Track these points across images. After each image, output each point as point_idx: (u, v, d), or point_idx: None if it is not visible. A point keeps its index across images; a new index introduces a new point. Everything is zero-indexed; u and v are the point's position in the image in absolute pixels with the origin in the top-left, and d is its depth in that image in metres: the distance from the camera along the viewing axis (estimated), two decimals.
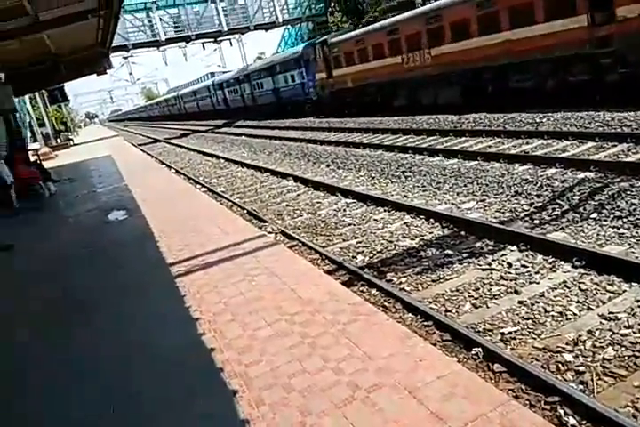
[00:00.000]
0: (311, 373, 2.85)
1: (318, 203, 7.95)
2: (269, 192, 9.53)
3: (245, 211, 8.17)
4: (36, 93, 30.03)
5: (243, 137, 22.63)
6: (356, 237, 6.02)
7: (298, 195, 8.85)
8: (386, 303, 4.21)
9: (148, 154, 21.09)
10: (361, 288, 4.58)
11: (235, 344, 3.31)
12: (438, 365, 2.74)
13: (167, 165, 16.26)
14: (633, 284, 3.78)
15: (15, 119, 15.65)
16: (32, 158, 16.21)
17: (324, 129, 18.96)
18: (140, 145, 27.85)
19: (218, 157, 16.54)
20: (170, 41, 36.06)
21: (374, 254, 5.41)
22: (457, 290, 4.28)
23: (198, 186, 11.33)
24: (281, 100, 29.86)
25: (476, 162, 8.48)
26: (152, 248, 5.83)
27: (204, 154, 18.51)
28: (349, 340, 3.13)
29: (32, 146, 22.72)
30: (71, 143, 34.85)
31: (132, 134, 45.97)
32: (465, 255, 4.94)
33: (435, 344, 3.42)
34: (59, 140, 36.53)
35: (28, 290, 5.33)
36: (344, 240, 6.02)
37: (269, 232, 6.56)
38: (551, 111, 11.40)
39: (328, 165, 11.23)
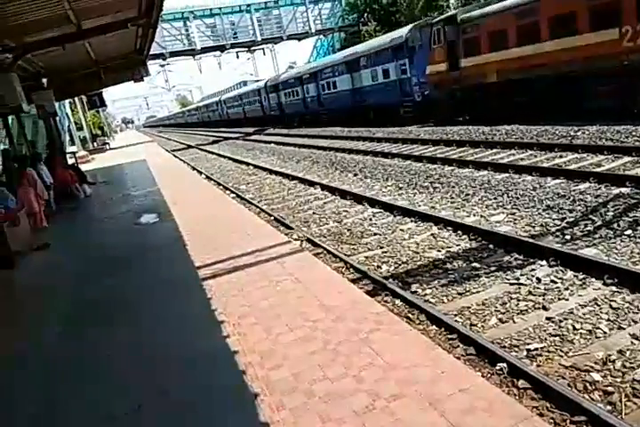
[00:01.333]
0: (332, 380, 2.86)
1: (345, 211, 7.98)
2: (296, 200, 9.62)
3: (272, 217, 8.26)
4: (76, 98, 31.23)
5: (272, 144, 22.92)
6: (381, 247, 6.01)
7: (324, 203, 8.90)
8: (410, 314, 4.18)
9: (181, 159, 21.59)
10: (385, 298, 4.56)
11: (258, 348, 3.36)
12: (461, 378, 2.71)
13: (198, 171, 16.60)
14: None
15: (55, 123, 16.34)
16: (70, 161, 16.85)
17: (352, 138, 19.03)
18: (172, 151, 28.54)
19: (247, 164, 16.80)
20: (205, 50, 37.10)
21: (399, 265, 5.39)
22: (483, 304, 4.22)
23: (227, 192, 11.53)
24: (362, 103, 23.06)
25: (507, 174, 8.35)
26: (180, 251, 5.97)
27: (235, 160, 18.83)
28: (371, 348, 3.13)
29: (70, 149, 23.62)
30: (107, 147, 36.04)
31: (166, 140, 47.16)
32: (492, 269, 4.86)
33: (458, 358, 3.37)
34: (95, 144, 37.83)
35: (56, 289, 5.53)
36: (369, 249, 6.02)
37: (295, 239, 6.62)
38: (587, 124, 11.15)
39: (356, 174, 11.25)
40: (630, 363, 3.10)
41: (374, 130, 20.01)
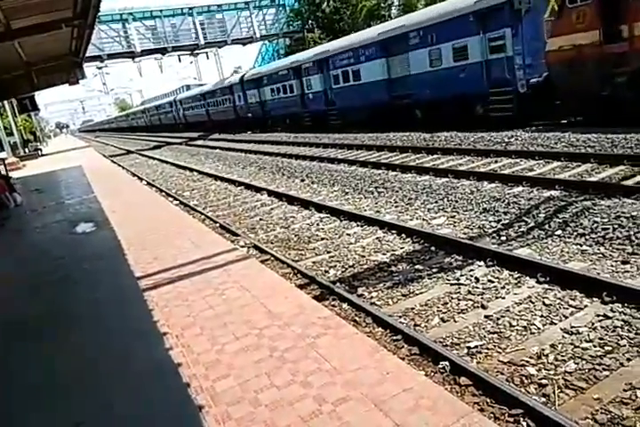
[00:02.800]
0: (279, 387, 2.83)
1: (292, 217, 7.97)
2: (243, 206, 9.50)
3: (218, 224, 8.11)
4: (5, 102, 29.35)
5: (217, 150, 22.56)
6: (328, 252, 6.05)
7: (271, 209, 8.85)
8: (356, 317, 4.23)
9: (120, 165, 20.77)
10: (332, 302, 4.59)
11: (202, 359, 3.27)
12: (405, 378, 2.76)
13: (139, 177, 16.03)
14: (594, 299, 3.91)
15: None
16: None
17: (299, 144, 19.10)
18: (111, 156, 27.41)
19: (191, 170, 16.42)
20: (145, 52, 35.98)
21: (346, 269, 5.44)
22: (426, 304, 4.34)
23: (170, 199, 11.21)
24: (405, 98, 16.69)
25: (447, 179, 8.67)
26: (120, 261, 5.72)
27: (178, 166, 18.35)
28: (318, 353, 3.13)
29: None
30: (40, 153, 34.02)
31: (104, 145, 45.26)
32: (434, 270, 5.02)
33: (403, 358, 3.45)
34: (27, 150, 35.62)
35: None
36: (317, 254, 6.04)
37: (242, 246, 6.53)
38: (520, 131, 11.81)
39: (302, 180, 11.29)
40: (562, 356, 3.29)
41: (321, 135, 20.18)
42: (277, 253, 6.09)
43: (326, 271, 5.46)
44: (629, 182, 6.78)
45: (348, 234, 6.59)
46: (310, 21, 38.18)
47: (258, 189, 10.65)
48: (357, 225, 6.89)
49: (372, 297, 4.65)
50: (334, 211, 7.67)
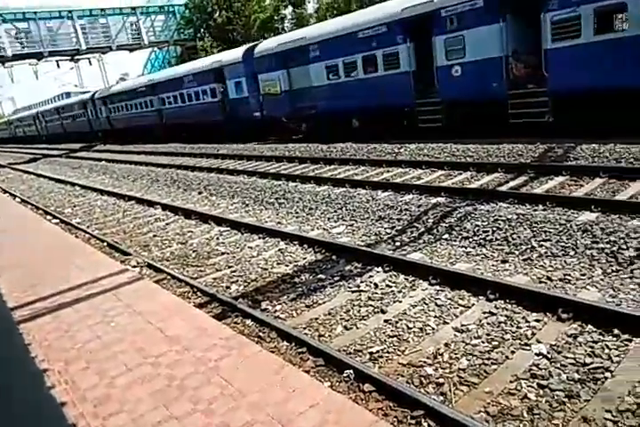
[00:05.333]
0: (179, 418, 2.64)
1: (189, 232, 7.64)
2: (134, 222, 8.91)
3: (105, 243, 7.49)
4: None
5: (103, 162, 21.05)
6: (229, 267, 5.87)
7: (167, 224, 8.41)
8: (260, 333, 4.13)
9: None
10: (235, 320, 4.44)
11: (90, 395, 2.94)
12: (311, 393, 2.73)
13: (11, 194, 14.36)
14: (480, 297, 4.22)
15: None
16: None
17: (195, 155, 18.51)
18: None
19: (73, 185, 15.09)
20: (17, 57, 32.63)
21: (249, 283, 5.32)
22: (329, 313, 4.38)
23: (49, 217, 10.16)
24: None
25: (345, 189, 8.94)
26: None
27: (57, 181, 16.76)
28: (221, 377, 2.98)
29: None
30: None
31: None
32: (336, 279, 5.10)
33: (308, 371, 3.42)
34: None
35: None
36: (217, 270, 5.83)
37: (133, 266, 6.08)
38: (407, 142, 12.58)
39: (200, 192, 10.92)
40: (455, 354, 3.49)
41: (218, 146, 19.76)
42: (174, 272, 5.77)
43: (228, 287, 5.29)
44: (503, 188, 7.53)
45: (250, 247, 6.47)
46: (202, 30, 37.44)
47: (151, 204, 10.07)
48: (259, 237, 6.80)
49: (276, 310, 4.58)
50: (234, 224, 7.49)
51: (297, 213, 7.99)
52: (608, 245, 4.78)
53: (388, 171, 10.08)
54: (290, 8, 35.97)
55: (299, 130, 18.34)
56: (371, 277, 4.99)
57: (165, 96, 25.41)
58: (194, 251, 6.65)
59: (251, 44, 20.61)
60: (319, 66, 15.89)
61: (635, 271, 4.30)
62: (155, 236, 7.73)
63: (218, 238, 7.07)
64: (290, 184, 10.08)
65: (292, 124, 18.39)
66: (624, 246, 4.69)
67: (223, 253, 6.37)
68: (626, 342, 3.27)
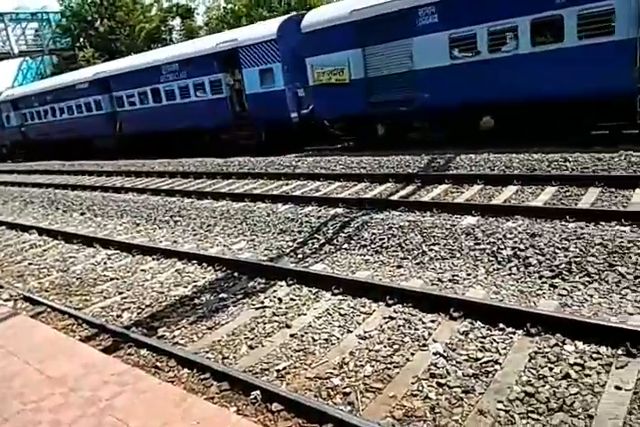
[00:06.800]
0: None
1: (71, 257, 6.95)
2: (5, 250, 7.90)
3: None
4: None
5: None
6: (120, 293, 5.43)
7: (44, 250, 7.57)
8: (158, 363, 3.84)
9: None
10: (128, 351, 4.09)
11: None
12: (217, 422, 2.58)
13: None
14: (380, 303, 4.35)
15: None
16: None
17: (76, 173, 17.08)
18: None
19: None
20: None
21: (143, 309, 4.95)
22: (233, 334, 4.22)
23: None
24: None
25: (244, 203, 8.80)
26: None
27: None
28: (115, 417, 2.70)
29: None
30: None
31: None
32: (239, 297, 4.95)
33: (213, 398, 3.25)
34: None
35: None
36: (106, 298, 5.36)
37: (6, 300, 5.37)
38: (304, 156, 12.80)
39: (83, 213, 10.05)
40: (360, 361, 3.54)
41: (102, 163, 18.44)
42: (55, 303, 5.19)
43: (119, 316, 4.88)
44: (395, 197, 7.93)
45: (143, 270, 6.06)
46: (82, 39, 35.01)
47: (25, 228, 9.01)
48: (153, 259, 6.39)
49: (174, 336, 4.30)
50: (124, 246, 6.98)
51: (194, 230, 7.68)
52: (489, 246, 5.23)
53: (287, 184, 10.14)
54: (178, 19, 35.14)
55: (342, 136, 14.49)
56: (275, 291, 4.92)
57: (125, 94, 19.01)
58: (77, 278, 6.05)
59: (290, 15, 15.12)
60: (434, 38, 10.83)
61: (512, 269, 4.75)
62: (30, 264, 6.92)
63: (105, 263, 6.53)
64: (185, 200, 9.69)
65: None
66: (502, 246, 5.16)
67: (112, 279, 5.89)
68: (510, 335, 3.56)
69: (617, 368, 3.03)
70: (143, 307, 4.99)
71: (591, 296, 4.03)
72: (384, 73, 11.88)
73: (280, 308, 4.55)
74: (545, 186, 7.15)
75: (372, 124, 12.79)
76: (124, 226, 8.57)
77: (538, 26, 9.64)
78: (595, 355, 3.19)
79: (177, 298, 5.10)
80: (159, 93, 17.53)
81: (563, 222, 5.60)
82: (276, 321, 4.32)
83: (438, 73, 10.95)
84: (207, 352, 3.95)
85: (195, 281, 5.50)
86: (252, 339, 4.08)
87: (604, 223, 5.40)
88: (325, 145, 14.89)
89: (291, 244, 6.43)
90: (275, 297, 4.78)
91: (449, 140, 11.30)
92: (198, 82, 16.11)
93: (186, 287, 5.36)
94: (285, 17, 14.97)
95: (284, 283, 5.06)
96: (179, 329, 4.41)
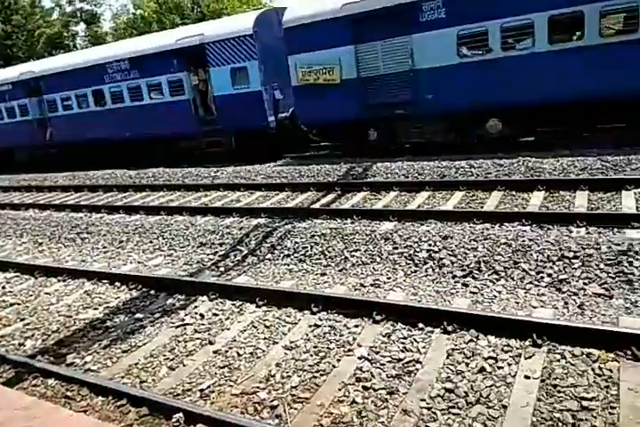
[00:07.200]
0: None
1: None
2: None
3: None
4: None
5: None
6: (22, 319, 4.93)
7: None
8: (69, 393, 3.52)
9: None
10: (34, 382, 3.71)
11: None
12: None
13: None
14: (305, 312, 4.34)
15: None
16: None
17: None
18: None
19: None
20: None
21: (49, 336, 4.53)
22: (151, 356, 3.99)
23: None
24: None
25: (160, 216, 8.43)
26: None
27: None
28: None
29: None
30: None
31: None
32: (157, 316, 4.70)
33: (131, 425, 3.03)
34: None
35: None
36: (5, 325, 4.85)
37: None
38: (225, 166, 12.55)
39: None
40: (286, 373, 3.49)
41: (5, 177, 16.77)
42: None
43: (21, 344, 4.43)
44: (317, 205, 8.02)
45: (48, 293, 5.55)
46: None
47: None
48: (58, 280, 5.89)
49: (85, 362, 3.98)
50: (25, 267, 6.36)
51: (105, 247, 7.20)
52: (406, 250, 5.43)
53: (207, 195, 9.87)
54: (82, 25, 33.23)
55: (320, 142, 13.51)
56: (196, 307, 4.73)
57: (60, 97, 16.45)
58: None
59: (267, 9, 13.95)
60: (440, 35, 9.92)
61: (428, 270, 4.97)
62: None
63: (4, 287, 5.91)
64: (94, 216, 9.09)
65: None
66: (418, 249, 5.39)
67: (12, 305, 5.34)
68: (429, 334, 3.71)
69: (525, 359, 3.26)
70: (49, 333, 4.56)
71: (499, 293, 4.32)
72: (380, 73, 10.91)
73: (202, 324, 4.38)
74: (454, 191, 7.61)
75: (363, 129, 11.64)
76: (25, 246, 7.82)
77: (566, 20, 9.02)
78: (506, 348, 3.40)
79: (87, 321, 4.72)
80: (103, 95, 15.29)
81: (471, 224, 5.98)
82: (198, 338, 4.14)
83: (440, 72, 10.13)
84: (123, 377, 3.69)
85: (106, 302, 5.13)
86: (173, 359, 3.88)
87: (507, 224, 5.83)
88: (312, 151, 13.90)
89: (212, 257, 6.25)
90: (196, 313, 4.60)
91: (453, 144, 10.61)
92: (154, 82, 14.24)
93: (96, 309, 4.99)
94: (262, 10, 13.88)
95: (205, 298, 4.88)
96: (90, 355, 4.09)
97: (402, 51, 10.51)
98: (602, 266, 4.38)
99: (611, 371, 3.02)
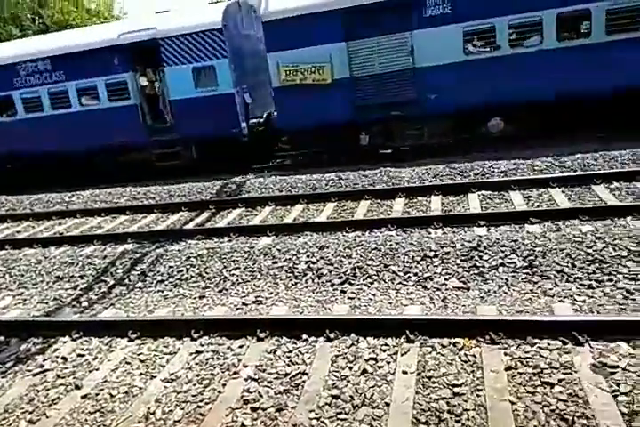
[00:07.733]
0: None
1: None
2: None
3: None
4: None
5: None
6: None
7: None
8: None
9: None
10: None
11: None
12: None
13: None
14: (184, 339, 4.09)
15: None
16: None
17: None
18: None
19: None
20: None
21: None
22: (6, 411, 3.45)
23: None
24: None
25: (5, 251, 7.37)
26: None
27: None
28: None
29: None
30: None
31: None
32: (9, 365, 4.09)
33: None
34: None
35: None
36: None
37: None
38: (80, 190, 11.42)
39: None
40: (168, 407, 3.24)
41: None
42: None
43: None
44: (190, 226, 7.70)
45: None
46: None
47: None
48: None
49: None
50: None
51: None
52: (285, 263, 5.47)
53: (60, 223, 8.88)
54: None
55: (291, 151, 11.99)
56: (57, 350, 4.19)
57: None
58: None
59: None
60: (442, 31, 9.38)
61: (308, 281, 5.05)
62: None
63: None
64: None
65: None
66: (297, 262, 5.45)
67: None
68: (313, 344, 3.75)
69: (402, 355, 3.46)
70: None
71: (374, 295, 4.56)
72: (375, 71, 10.14)
73: (65, 368, 3.89)
74: (326, 202, 7.90)
75: (354, 133, 10.73)
76: None
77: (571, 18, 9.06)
78: (384, 347, 3.58)
79: None
80: (12, 104, 12.53)
81: (344, 233, 6.25)
82: (61, 384, 3.67)
83: (444, 70, 9.63)
84: None
85: None
86: (32, 411, 3.39)
87: (376, 230, 6.22)
88: (288, 161, 12.48)
89: (72, 291, 5.61)
90: (57, 357, 4.07)
91: (456, 146, 10.20)
92: (86, 85, 11.96)
93: None
94: (232, 1, 11.81)
95: (67, 338, 4.35)
96: None
97: (401, 48, 9.89)
98: (458, 262, 4.87)
99: (475, 356, 3.35)
